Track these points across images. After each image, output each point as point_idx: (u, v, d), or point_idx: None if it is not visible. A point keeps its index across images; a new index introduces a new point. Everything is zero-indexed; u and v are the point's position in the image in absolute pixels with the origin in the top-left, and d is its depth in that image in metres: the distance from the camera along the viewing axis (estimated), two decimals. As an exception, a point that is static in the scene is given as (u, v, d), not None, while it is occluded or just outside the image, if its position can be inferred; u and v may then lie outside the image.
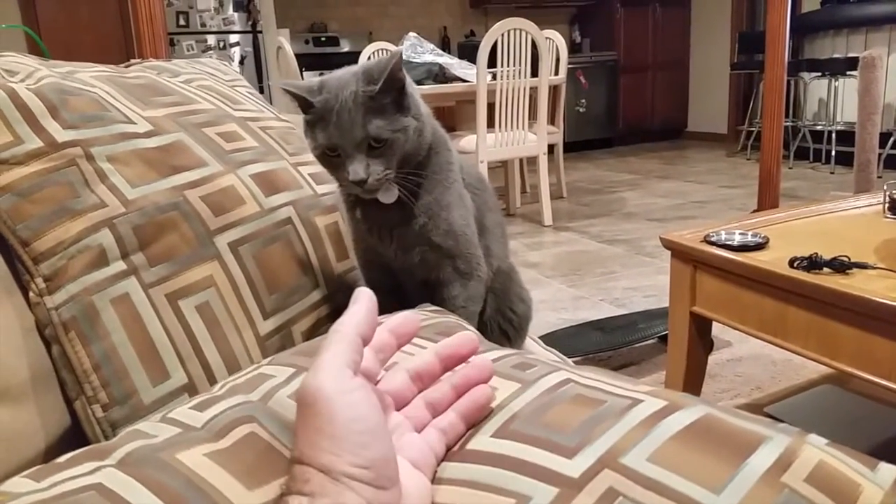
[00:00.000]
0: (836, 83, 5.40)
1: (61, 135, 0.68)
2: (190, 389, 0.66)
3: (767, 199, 3.19)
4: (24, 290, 0.64)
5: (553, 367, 0.54)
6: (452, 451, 0.46)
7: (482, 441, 0.45)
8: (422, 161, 0.75)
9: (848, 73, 5.19)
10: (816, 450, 0.43)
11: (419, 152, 0.74)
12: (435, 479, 0.44)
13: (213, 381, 0.68)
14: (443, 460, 0.46)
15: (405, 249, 0.78)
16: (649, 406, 0.46)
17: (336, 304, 0.86)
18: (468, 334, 0.52)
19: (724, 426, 0.45)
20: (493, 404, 0.48)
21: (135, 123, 0.75)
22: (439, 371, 0.50)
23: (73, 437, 0.63)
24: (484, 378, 0.49)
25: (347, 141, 0.69)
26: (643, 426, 0.44)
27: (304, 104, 0.71)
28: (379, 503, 0.38)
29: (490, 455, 0.44)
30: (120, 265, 0.66)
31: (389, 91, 0.70)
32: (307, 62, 5.41)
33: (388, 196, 0.74)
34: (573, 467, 0.41)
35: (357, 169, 0.69)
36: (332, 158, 0.71)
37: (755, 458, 0.41)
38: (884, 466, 0.43)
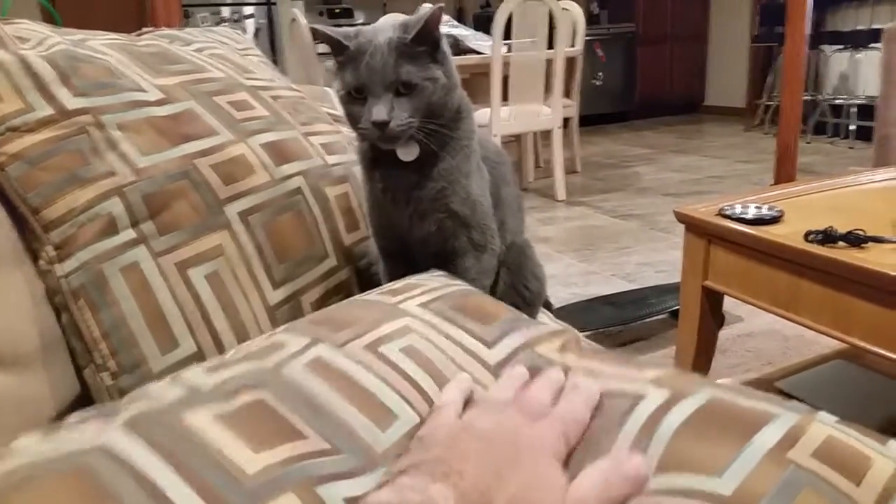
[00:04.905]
0: (858, 56, 5.29)
1: (72, 102, 0.68)
2: (199, 358, 0.67)
3: (784, 174, 3.15)
4: (35, 258, 0.65)
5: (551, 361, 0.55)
6: None
7: None
8: (447, 124, 0.75)
9: (871, 45, 5.08)
10: (825, 426, 0.43)
11: (445, 110, 0.74)
12: None
13: (221, 350, 0.68)
14: None
15: (421, 215, 0.77)
16: (651, 402, 0.46)
17: (345, 274, 0.86)
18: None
19: (729, 408, 0.44)
20: None
21: (146, 91, 0.75)
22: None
23: (83, 405, 0.63)
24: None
25: (376, 81, 0.69)
26: (646, 429, 0.44)
27: (338, 47, 0.71)
28: None
29: None
30: (129, 233, 0.67)
31: (424, 42, 0.70)
32: (321, 34, 5.35)
33: (408, 153, 0.74)
34: None
35: (381, 109, 0.69)
36: (356, 100, 0.71)
37: (760, 436, 0.41)
38: (894, 443, 0.43)
